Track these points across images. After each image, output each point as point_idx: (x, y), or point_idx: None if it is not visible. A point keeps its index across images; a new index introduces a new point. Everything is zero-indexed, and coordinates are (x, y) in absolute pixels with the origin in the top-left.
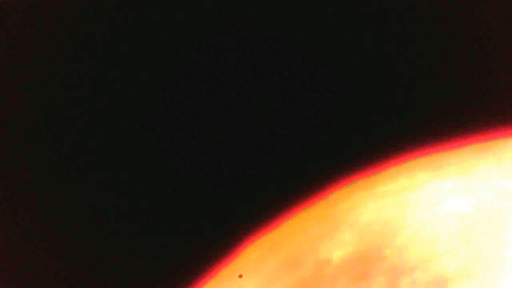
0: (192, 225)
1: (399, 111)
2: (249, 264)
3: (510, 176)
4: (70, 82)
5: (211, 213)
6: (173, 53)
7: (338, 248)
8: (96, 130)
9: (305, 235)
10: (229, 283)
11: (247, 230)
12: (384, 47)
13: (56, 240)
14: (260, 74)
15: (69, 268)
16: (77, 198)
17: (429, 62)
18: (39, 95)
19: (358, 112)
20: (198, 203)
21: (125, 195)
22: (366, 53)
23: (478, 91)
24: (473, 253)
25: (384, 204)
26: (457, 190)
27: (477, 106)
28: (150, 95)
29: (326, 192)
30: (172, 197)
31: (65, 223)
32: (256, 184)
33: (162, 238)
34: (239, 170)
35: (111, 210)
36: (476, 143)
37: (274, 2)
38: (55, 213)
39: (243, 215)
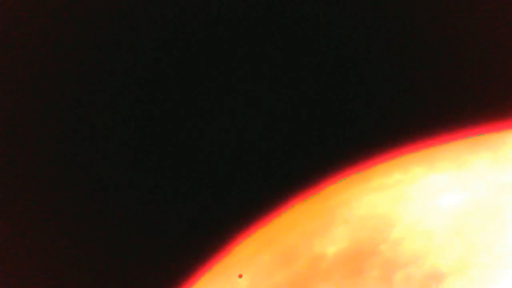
0: (186, 221)
1: (393, 105)
2: (243, 259)
3: (506, 170)
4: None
5: (205, 209)
6: (170, 53)
7: (333, 243)
8: (96, 128)
9: (299, 230)
10: (223, 278)
11: (241, 225)
12: (378, 45)
13: (57, 239)
14: (255, 71)
15: (69, 264)
16: (74, 197)
17: (423, 58)
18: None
19: (352, 107)
20: (192, 199)
21: (120, 194)
22: (361, 50)
23: (473, 85)
24: (467, 248)
25: (379, 199)
26: (451, 184)
27: (472, 100)
28: (148, 95)
29: (320, 187)
30: (165, 194)
31: (64, 222)
32: (250, 179)
33: (156, 233)
34: (233, 166)
35: (105, 210)
36: (471, 136)
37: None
38: (57, 214)
39: (237, 210)
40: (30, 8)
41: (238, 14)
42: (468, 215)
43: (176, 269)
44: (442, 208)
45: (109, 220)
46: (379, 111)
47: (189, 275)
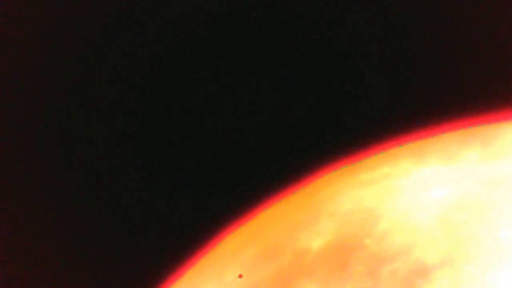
0: (172, 215)
1: (382, 99)
2: (228, 253)
3: (495, 163)
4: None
5: (191, 203)
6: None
7: (318, 237)
8: (98, 127)
9: (284, 224)
10: (208, 272)
11: (227, 219)
12: (366, 40)
13: (58, 234)
14: (245, 66)
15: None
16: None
17: (411, 52)
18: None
19: (340, 101)
20: (178, 193)
21: (108, 189)
22: (349, 45)
23: (462, 78)
24: (454, 243)
25: (366, 192)
26: (440, 178)
27: (462, 92)
28: (142, 93)
29: (308, 181)
30: (151, 188)
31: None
32: (236, 174)
33: (142, 227)
34: (218, 160)
35: (92, 204)
36: (460, 129)
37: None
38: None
39: (223, 204)
40: (30, 8)
41: (232, 11)
42: (455, 209)
43: (162, 263)
44: (430, 202)
45: (96, 214)
46: (367, 105)
47: (175, 269)
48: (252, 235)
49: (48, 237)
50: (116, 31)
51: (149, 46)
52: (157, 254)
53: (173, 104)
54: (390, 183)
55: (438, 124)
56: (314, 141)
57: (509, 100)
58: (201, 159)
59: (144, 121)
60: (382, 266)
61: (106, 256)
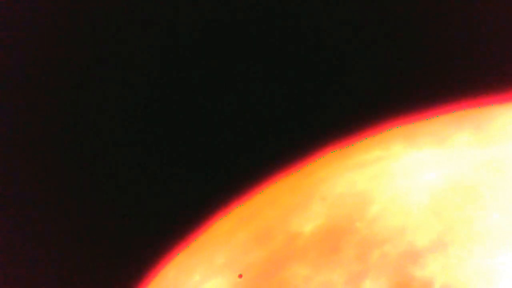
0: (164, 197)
1: (373, 81)
2: (220, 236)
3: (487, 146)
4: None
5: (183, 186)
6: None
7: (310, 221)
8: (100, 125)
9: (276, 208)
10: (199, 255)
11: (218, 202)
12: (356, 22)
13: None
14: (236, 52)
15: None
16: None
17: (402, 34)
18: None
19: (331, 84)
20: (171, 177)
21: (103, 173)
22: (340, 27)
23: (455, 60)
24: (445, 226)
25: (358, 176)
26: (432, 161)
27: (454, 75)
28: (140, 83)
29: (299, 164)
30: (144, 171)
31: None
32: (228, 157)
33: (133, 210)
34: (210, 144)
35: (85, 188)
36: (453, 112)
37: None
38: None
39: (214, 187)
40: (30, 8)
41: (231, 11)
42: (448, 192)
43: (153, 246)
44: (422, 185)
45: (88, 203)
46: (359, 88)
47: (166, 252)
48: (244, 218)
49: (47, 232)
50: (117, 31)
51: (147, 45)
52: (148, 238)
53: (170, 93)
54: (382, 166)
55: (430, 107)
56: (306, 125)
57: (501, 83)
58: (193, 143)
59: (140, 107)
60: (372, 250)
61: (96, 242)
